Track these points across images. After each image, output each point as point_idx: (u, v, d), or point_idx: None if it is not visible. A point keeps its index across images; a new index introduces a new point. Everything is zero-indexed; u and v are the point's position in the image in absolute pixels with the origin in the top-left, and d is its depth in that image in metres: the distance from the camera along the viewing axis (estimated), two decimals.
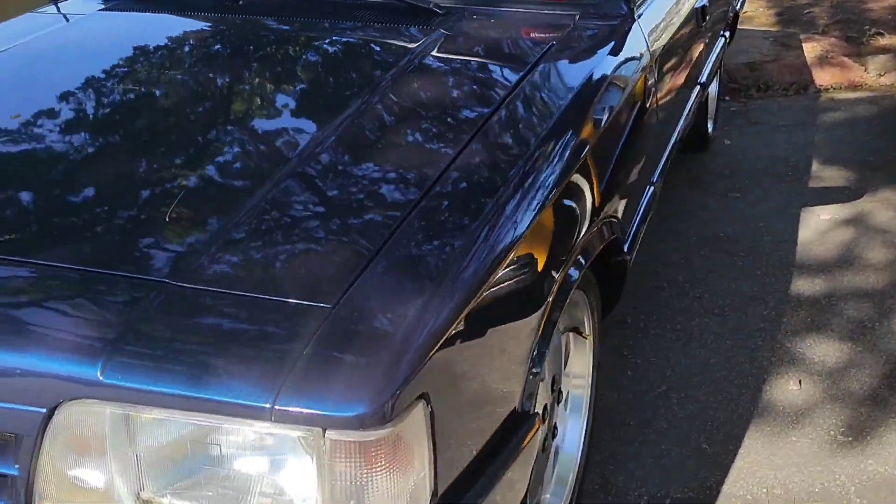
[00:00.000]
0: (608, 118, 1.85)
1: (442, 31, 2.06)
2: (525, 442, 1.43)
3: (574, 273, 1.61)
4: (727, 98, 4.79)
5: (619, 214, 1.92)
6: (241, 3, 2.24)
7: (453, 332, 1.25)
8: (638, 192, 2.12)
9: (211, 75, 1.92)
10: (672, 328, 2.67)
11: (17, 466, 1.21)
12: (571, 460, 1.96)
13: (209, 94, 1.85)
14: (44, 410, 1.18)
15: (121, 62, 2.02)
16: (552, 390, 1.79)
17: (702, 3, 2.89)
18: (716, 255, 3.11)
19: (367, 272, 1.27)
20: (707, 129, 3.96)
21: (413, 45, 2.02)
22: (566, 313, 1.86)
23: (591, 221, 1.72)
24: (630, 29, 2.18)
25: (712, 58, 3.36)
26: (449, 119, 1.72)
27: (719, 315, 2.74)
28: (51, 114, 1.79)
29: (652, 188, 2.28)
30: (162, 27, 2.24)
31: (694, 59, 2.87)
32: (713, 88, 4.18)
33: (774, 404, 2.35)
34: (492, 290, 1.35)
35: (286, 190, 1.46)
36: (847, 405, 2.35)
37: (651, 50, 2.23)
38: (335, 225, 1.40)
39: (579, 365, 1.98)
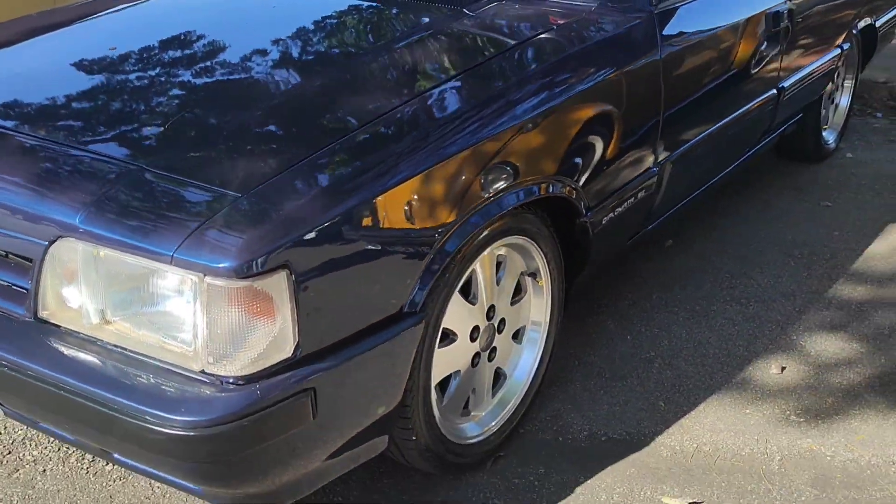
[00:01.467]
0: (570, 93, 2.15)
1: (466, 11, 2.44)
2: (400, 334, 1.79)
3: (492, 211, 1.94)
4: (879, 115, 4.72)
5: (580, 178, 2.19)
6: None
7: (335, 226, 1.65)
8: (623, 169, 2.36)
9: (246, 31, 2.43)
10: (690, 308, 2.86)
11: (30, 282, 1.75)
12: (518, 388, 2.27)
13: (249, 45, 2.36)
14: (45, 243, 1.71)
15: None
16: (488, 317, 2.13)
17: (781, 8, 3.01)
18: (774, 254, 3.21)
19: (284, 174, 1.70)
20: (822, 139, 3.98)
21: (433, 21, 2.42)
22: (518, 257, 2.18)
23: (531, 173, 2.03)
24: (641, 23, 2.43)
25: (811, 66, 3.42)
26: (415, 74, 2.14)
27: (742, 304, 2.88)
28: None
29: (655, 170, 2.50)
30: None
31: (764, 63, 3.00)
32: (843, 101, 4.19)
33: (747, 382, 2.51)
34: (389, 201, 1.73)
35: (272, 111, 1.96)
36: (817, 394, 2.46)
37: (666, 43, 2.46)
38: (285, 139, 1.90)
39: (537, 308, 2.29)
